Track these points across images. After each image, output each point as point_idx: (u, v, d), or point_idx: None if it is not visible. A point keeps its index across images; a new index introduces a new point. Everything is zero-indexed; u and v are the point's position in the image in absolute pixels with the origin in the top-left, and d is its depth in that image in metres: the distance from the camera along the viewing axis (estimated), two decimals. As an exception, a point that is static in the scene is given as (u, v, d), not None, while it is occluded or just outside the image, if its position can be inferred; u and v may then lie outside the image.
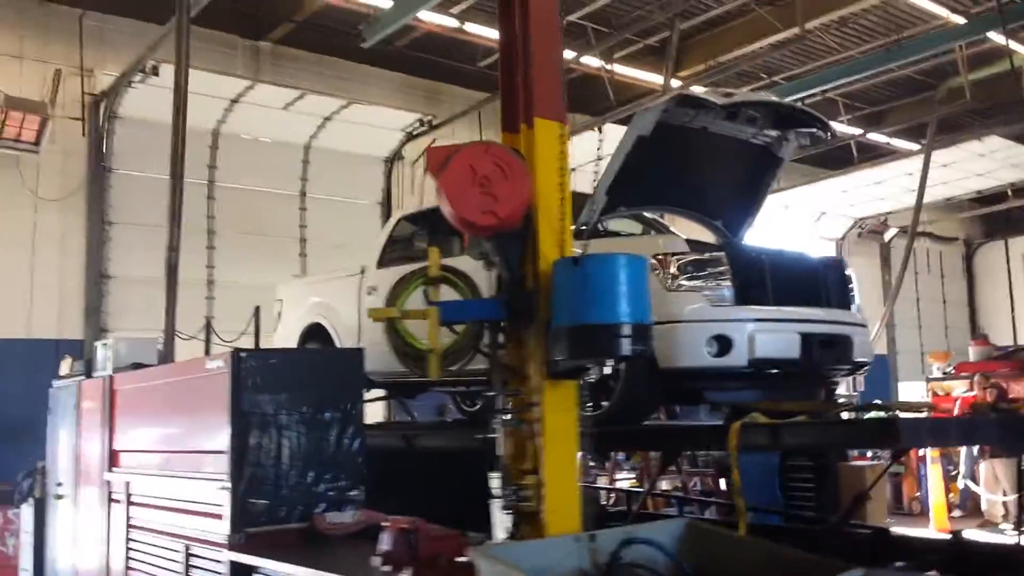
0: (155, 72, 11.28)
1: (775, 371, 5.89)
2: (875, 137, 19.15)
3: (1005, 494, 12.80)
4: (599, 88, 15.11)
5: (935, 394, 15.52)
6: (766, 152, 7.29)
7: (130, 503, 6.68)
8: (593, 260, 3.56)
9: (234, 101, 12.67)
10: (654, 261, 5.82)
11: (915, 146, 18.37)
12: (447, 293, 3.86)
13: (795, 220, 22.22)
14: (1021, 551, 6.41)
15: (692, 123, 6.61)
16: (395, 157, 14.80)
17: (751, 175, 7.42)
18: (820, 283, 6.42)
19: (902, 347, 24.35)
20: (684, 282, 5.80)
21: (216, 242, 13.08)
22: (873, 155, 19.71)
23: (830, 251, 23.92)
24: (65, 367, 8.50)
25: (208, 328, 8.96)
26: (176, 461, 6.05)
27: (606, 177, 6.51)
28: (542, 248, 3.70)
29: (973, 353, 16.05)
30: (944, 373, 16.11)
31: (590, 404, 6.02)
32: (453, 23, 13.29)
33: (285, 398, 5.44)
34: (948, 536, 6.59)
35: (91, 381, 7.62)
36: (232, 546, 5.13)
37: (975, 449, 12.88)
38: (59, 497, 8.08)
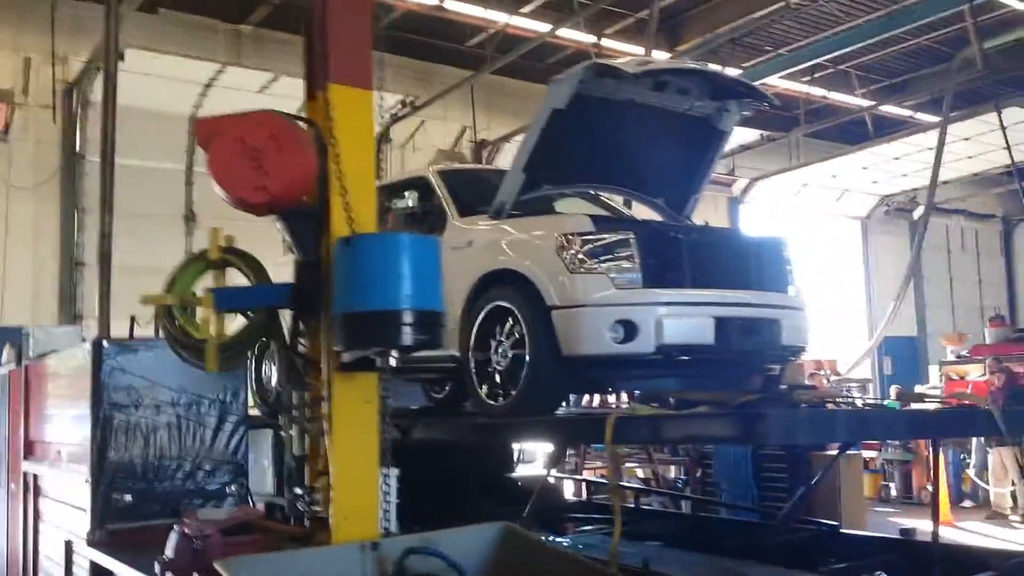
0: (121, 57, 11.07)
1: (686, 358, 5.45)
2: (894, 110, 18.33)
3: (1014, 484, 12.16)
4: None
5: (949, 379, 14.85)
6: (706, 125, 6.82)
7: (36, 494, 6.53)
8: (365, 240, 3.21)
9: (207, 85, 12.49)
10: (560, 241, 5.48)
11: (936, 119, 17.53)
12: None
13: (815, 198, 21.51)
14: (970, 551, 5.93)
15: (615, 95, 6.19)
16: (381, 139, 14.50)
17: (693, 150, 6.95)
18: (750, 264, 5.95)
19: (934, 329, 23.45)
20: (589, 263, 5.40)
21: (195, 230, 12.93)
22: (896, 130, 18.89)
23: (854, 230, 23.18)
24: (5, 354, 8.37)
25: (157, 314, 8.77)
26: (61, 452, 5.86)
27: (521, 153, 6.14)
28: (333, 228, 3.36)
29: (989, 335, 15.31)
30: (958, 356, 15.38)
31: (500, 393, 5.71)
32: (433, 1, 12.91)
33: (153, 388, 5.20)
34: (898, 536, 6.16)
35: (16, 369, 7.49)
36: (89, 543, 4.91)
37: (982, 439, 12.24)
38: (-5, 487, 7.99)
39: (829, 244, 22.38)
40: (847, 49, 13.85)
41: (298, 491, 3.35)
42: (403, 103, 13.88)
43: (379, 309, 3.08)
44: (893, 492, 14.14)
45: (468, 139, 15.43)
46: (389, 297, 3.07)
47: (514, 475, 8.39)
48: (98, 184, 12.07)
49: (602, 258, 5.36)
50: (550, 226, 5.66)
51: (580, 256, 5.39)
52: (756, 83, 14.89)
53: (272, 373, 8.47)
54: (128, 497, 5.05)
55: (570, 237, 5.42)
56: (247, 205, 3.27)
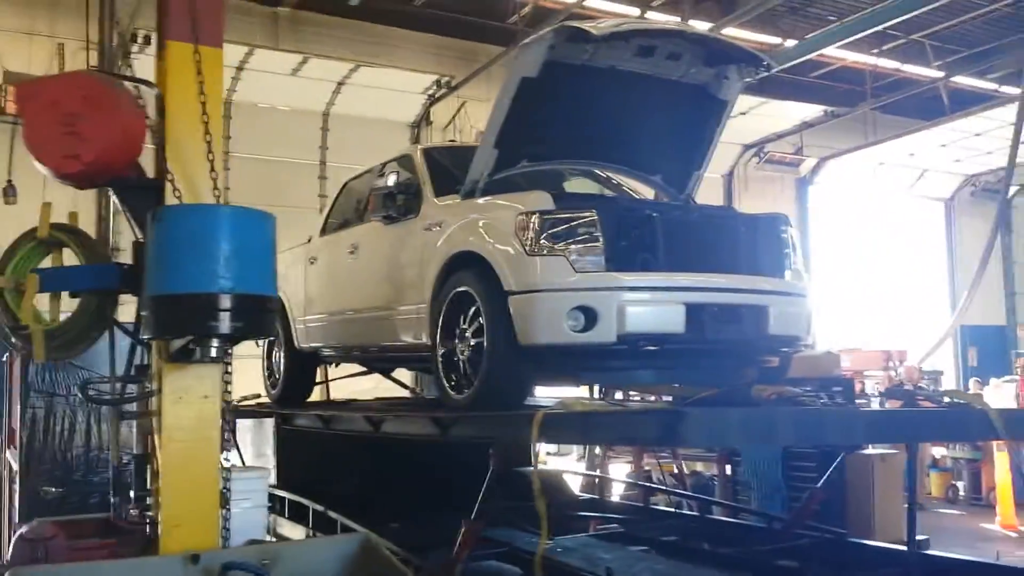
0: (147, 41, 11.09)
1: (653, 348, 4.95)
2: (974, 83, 17.10)
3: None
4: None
5: (1027, 372, 13.78)
6: (705, 94, 6.26)
7: (12, 483, 6.46)
8: (174, 212, 2.85)
9: (239, 68, 12.40)
10: (519, 221, 5.07)
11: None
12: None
13: (893, 179, 20.34)
14: (983, 568, 5.30)
15: (595, 62, 5.71)
16: (421, 121, 14.21)
17: (692, 123, 6.40)
18: (739, 245, 5.41)
19: (1026, 318, 21.92)
20: (548, 245, 4.97)
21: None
22: (978, 105, 17.61)
23: (936, 213, 21.86)
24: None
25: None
26: (22, 441, 5.76)
27: (491, 127, 5.74)
28: (167, 200, 3.03)
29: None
30: (1038, 347, 14.26)
31: (464, 385, 5.36)
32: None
33: (86, 375, 4.98)
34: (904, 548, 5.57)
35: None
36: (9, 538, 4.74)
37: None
38: (-2, 474, 8.02)
39: (910, 227, 21.18)
40: (914, 13, 12.79)
41: (132, 494, 3.05)
42: (438, 83, 13.54)
43: (191, 291, 2.72)
44: (961, 492, 13.21)
45: (511, 120, 14.98)
46: (202, 278, 2.71)
47: (526, 469, 8.00)
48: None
49: (563, 239, 4.93)
50: (511, 204, 5.26)
51: (539, 237, 4.97)
52: (816, 54, 14.15)
53: (280, 361, 8.32)
54: (55, 490, 4.87)
55: (529, 216, 5.01)
56: (61, 175, 2.98)
